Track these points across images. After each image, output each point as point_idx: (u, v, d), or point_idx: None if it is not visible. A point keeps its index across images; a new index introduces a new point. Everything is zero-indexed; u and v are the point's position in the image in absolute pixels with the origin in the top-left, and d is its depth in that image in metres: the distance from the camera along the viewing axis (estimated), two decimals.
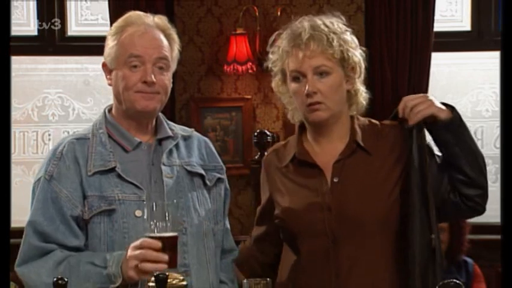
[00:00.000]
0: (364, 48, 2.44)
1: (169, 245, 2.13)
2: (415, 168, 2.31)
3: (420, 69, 5.02)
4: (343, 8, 5.10)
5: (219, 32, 5.21)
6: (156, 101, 2.34)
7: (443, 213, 2.36)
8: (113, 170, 2.32)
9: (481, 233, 4.57)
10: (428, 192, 2.29)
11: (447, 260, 3.72)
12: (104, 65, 2.40)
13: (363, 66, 2.42)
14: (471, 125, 5.35)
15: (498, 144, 5.23)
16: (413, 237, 2.29)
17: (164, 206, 2.14)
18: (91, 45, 5.16)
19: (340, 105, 2.39)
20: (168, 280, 1.96)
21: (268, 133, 4.33)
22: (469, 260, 3.93)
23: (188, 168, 2.41)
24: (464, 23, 5.35)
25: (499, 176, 4.99)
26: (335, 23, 2.40)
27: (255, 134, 4.35)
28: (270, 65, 2.47)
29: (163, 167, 2.36)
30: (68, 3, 5.26)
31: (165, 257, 2.11)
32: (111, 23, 4.83)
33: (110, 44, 2.37)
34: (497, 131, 5.27)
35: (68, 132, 5.28)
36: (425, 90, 5.04)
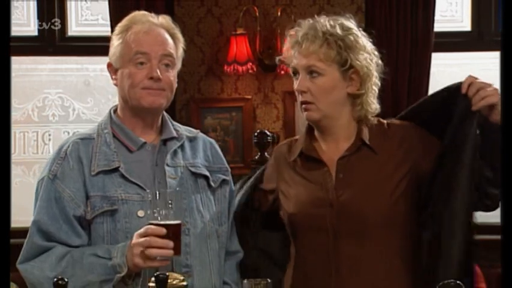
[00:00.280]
0: (376, 53, 2.44)
1: (174, 233, 2.14)
2: (468, 156, 2.27)
3: (420, 69, 5.02)
4: (344, 8, 5.08)
5: (219, 32, 5.21)
6: (162, 97, 2.36)
7: None
8: (116, 169, 2.33)
9: (481, 233, 4.56)
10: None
11: None
12: (109, 65, 2.42)
13: (373, 69, 2.41)
14: None
15: None
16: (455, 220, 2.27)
17: (167, 194, 2.16)
18: (91, 46, 5.17)
19: (335, 108, 2.39)
20: (169, 280, 1.96)
21: (268, 133, 4.32)
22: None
23: (192, 169, 2.41)
24: (464, 24, 5.35)
25: None
26: (339, 25, 2.39)
27: (255, 134, 4.34)
28: (285, 61, 2.48)
29: (166, 168, 2.36)
30: (68, 3, 5.26)
31: (171, 243, 2.13)
32: (111, 23, 4.91)
33: (114, 44, 2.39)
34: None
35: (68, 133, 5.28)
36: (426, 91, 5.03)
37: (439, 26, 5.14)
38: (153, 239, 2.13)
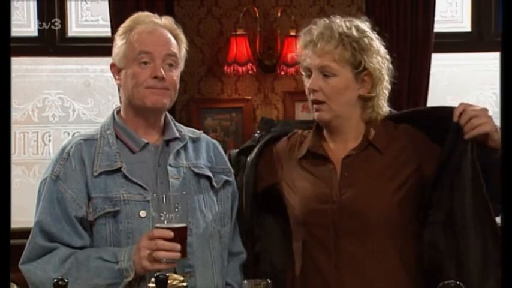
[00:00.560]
0: (388, 57, 2.45)
1: (180, 236, 2.15)
2: (468, 182, 2.25)
3: (420, 70, 5.02)
4: (344, 9, 5.10)
5: (219, 32, 5.21)
6: (166, 97, 2.36)
7: None
8: (118, 170, 2.33)
9: None
10: (487, 202, 2.23)
11: None
12: (112, 66, 2.42)
13: (385, 73, 2.42)
14: None
15: None
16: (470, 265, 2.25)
17: (175, 198, 2.17)
18: (91, 46, 5.18)
19: (347, 109, 2.40)
20: (169, 281, 1.96)
21: None
22: None
23: (195, 170, 2.41)
24: (464, 24, 5.35)
25: None
26: (355, 27, 2.40)
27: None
28: (297, 59, 2.49)
29: (169, 168, 2.37)
30: (68, 3, 5.26)
31: (178, 246, 2.14)
32: (111, 24, 4.91)
33: (118, 44, 2.39)
34: None
35: (68, 133, 5.29)
36: (426, 91, 5.04)
37: (439, 27, 5.14)
38: (160, 241, 2.14)
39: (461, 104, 2.30)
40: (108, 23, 5.00)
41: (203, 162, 2.45)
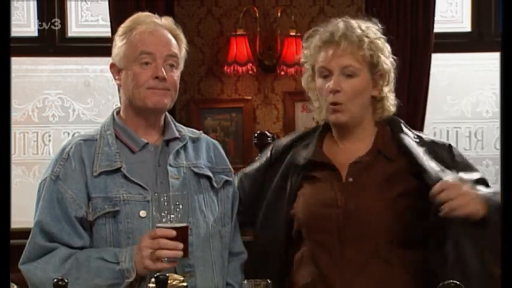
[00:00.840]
0: (395, 57, 2.45)
1: (182, 235, 2.16)
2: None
3: (420, 70, 5.02)
4: (344, 9, 5.11)
5: (219, 32, 5.21)
6: (167, 98, 2.36)
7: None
8: (118, 170, 2.33)
9: None
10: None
11: None
12: (112, 66, 2.42)
13: (393, 74, 2.43)
14: (472, 126, 5.37)
15: (498, 146, 5.23)
16: None
17: (176, 197, 2.17)
18: (91, 46, 5.18)
19: (363, 109, 2.40)
20: (169, 281, 1.96)
21: (268, 134, 4.33)
22: None
23: (195, 170, 2.41)
24: (464, 24, 5.35)
25: (499, 177, 4.99)
26: (370, 28, 2.42)
27: (255, 135, 4.35)
28: (302, 60, 2.48)
29: (169, 168, 2.37)
30: (68, 3, 5.26)
31: (180, 245, 2.15)
32: (111, 24, 4.91)
33: (118, 44, 2.39)
34: (497, 132, 5.27)
35: (68, 134, 5.29)
36: (426, 91, 5.04)
37: (439, 27, 5.14)
38: (163, 240, 2.15)
39: (441, 182, 2.23)
40: (108, 23, 5.00)
41: (203, 162, 2.45)
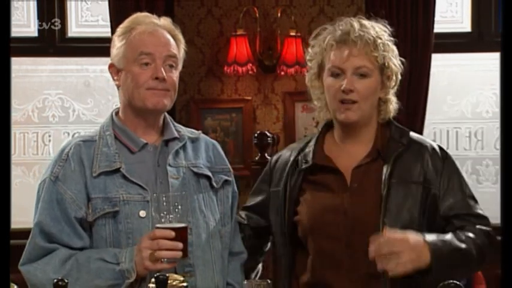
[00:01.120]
0: (403, 59, 2.46)
1: (181, 236, 2.16)
2: None
3: (420, 70, 5.02)
4: (344, 9, 5.11)
5: (219, 33, 5.21)
6: (167, 98, 2.36)
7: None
8: (118, 170, 2.33)
9: None
10: None
11: None
12: (111, 66, 2.41)
13: (399, 77, 2.43)
14: (472, 126, 5.38)
15: (498, 146, 5.23)
16: None
17: (175, 198, 2.17)
18: (91, 47, 5.18)
19: (371, 110, 2.40)
20: (169, 281, 1.96)
21: (268, 134, 4.33)
22: None
23: (195, 170, 2.41)
24: (464, 24, 5.35)
25: (499, 177, 4.99)
26: (382, 29, 2.43)
27: (255, 135, 4.35)
28: (307, 58, 2.47)
29: (169, 168, 2.37)
30: (68, 4, 5.26)
31: (180, 245, 2.15)
32: (112, 24, 4.91)
33: (117, 45, 2.39)
34: (497, 132, 5.27)
35: (68, 134, 5.29)
36: (426, 92, 5.04)
37: (439, 27, 5.14)
38: (162, 241, 2.15)
39: (377, 242, 2.20)
40: (108, 23, 5.00)
41: (202, 162, 2.45)
